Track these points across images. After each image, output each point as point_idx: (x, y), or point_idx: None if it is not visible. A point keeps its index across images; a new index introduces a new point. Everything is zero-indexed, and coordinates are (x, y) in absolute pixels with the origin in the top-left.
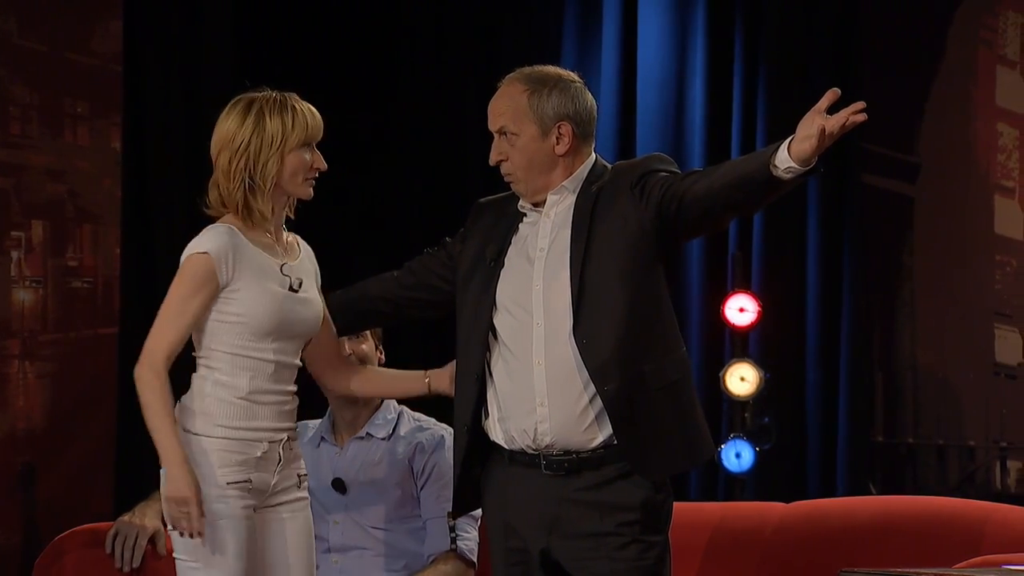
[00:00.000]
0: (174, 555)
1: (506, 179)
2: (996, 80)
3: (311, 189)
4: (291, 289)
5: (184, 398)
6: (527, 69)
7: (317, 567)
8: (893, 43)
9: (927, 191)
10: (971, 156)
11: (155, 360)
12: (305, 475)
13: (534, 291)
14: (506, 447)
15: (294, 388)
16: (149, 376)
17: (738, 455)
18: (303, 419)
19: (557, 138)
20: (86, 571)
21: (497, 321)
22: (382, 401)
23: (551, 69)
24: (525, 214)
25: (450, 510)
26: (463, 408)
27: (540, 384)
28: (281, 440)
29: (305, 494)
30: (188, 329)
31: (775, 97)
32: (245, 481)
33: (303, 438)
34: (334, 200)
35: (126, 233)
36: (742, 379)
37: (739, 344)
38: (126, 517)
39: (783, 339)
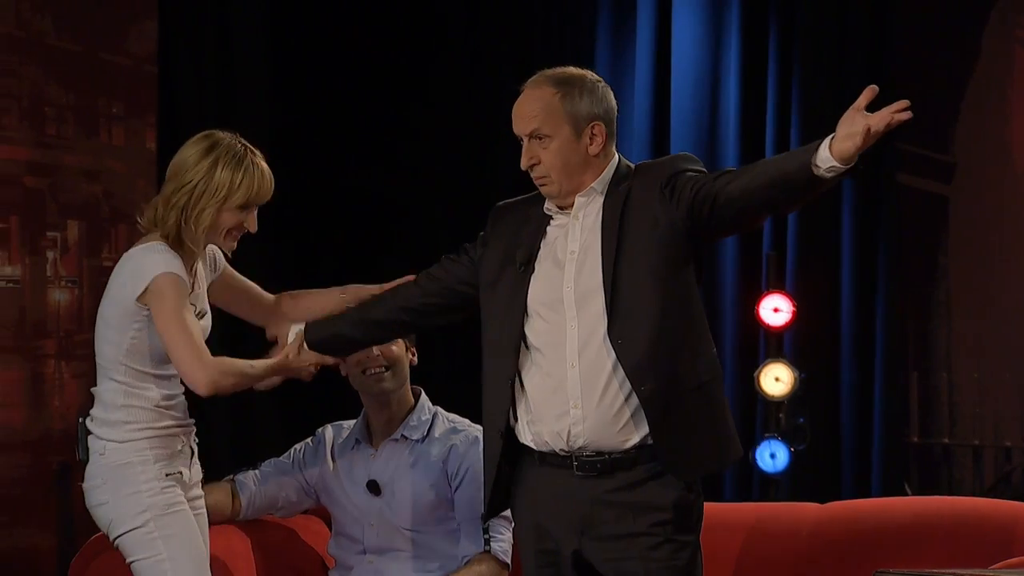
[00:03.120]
0: (128, 560)
1: (538, 182)
2: None
3: (235, 244)
4: (197, 315)
5: (94, 412)
6: (549, 71)
7: (351, 568)
8: (927, 42)
9: (962, 191)
10: (1007, 155)
11: (203, 371)
12: (200, 471)
13: (566, 294)
14: (536, 449)
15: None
16: (215, 376)
17: (773, 455)
18: (339, 419)
19: (591, 138)
20: (121, 571)
21: (528, 326)
22: (416, 402)
23: (573, 70)
24: (552, 217)
25: (483, 513)
26: (495, 414)
27: (574, 386)
28: (191, 433)
29: (201, 491)
30: (200, 335)
31: (809, 97)
32: (178, 473)
33: (338, 439)
34: (362, 201)
35: None
36: (777, 379)
37: (774, 344)
38: None
39: (818, 339)
